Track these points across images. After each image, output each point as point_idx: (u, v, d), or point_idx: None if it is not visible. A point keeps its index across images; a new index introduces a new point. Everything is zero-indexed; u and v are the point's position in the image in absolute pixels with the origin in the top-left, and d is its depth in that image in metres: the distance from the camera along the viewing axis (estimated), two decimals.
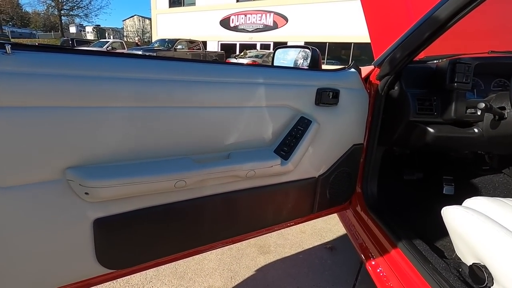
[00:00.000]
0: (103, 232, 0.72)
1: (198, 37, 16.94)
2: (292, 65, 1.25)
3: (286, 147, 0.97)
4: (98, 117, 0.66)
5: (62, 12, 32.95)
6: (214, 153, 0.87)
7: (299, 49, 1.25)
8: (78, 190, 0.65)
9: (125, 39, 32.30)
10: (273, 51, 1.29)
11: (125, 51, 14.11)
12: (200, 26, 21.09)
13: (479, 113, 1.07)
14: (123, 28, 40.39)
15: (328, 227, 2.01)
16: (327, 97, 1.02)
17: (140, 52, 12.71)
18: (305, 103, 1.00)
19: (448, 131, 1.13)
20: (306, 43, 16.48)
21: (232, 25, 19.93)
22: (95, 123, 0.66)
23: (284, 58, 1.28)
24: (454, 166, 1.68)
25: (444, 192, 1.57)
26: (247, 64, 0.99)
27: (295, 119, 0.99)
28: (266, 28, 18.70)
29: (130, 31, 37.67)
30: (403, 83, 1.15)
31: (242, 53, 14.90)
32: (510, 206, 0.89)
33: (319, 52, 1.20)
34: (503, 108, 1.01)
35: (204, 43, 17.60)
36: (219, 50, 18.29)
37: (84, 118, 0.64)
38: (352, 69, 1.14)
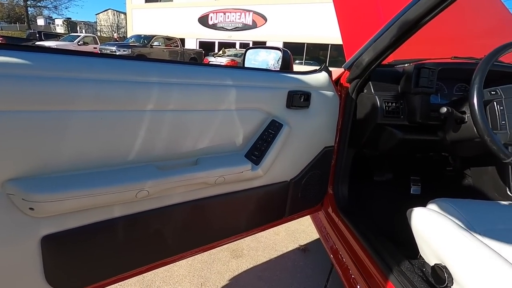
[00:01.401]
0: (53, 250, 0.65)
1: (176, 34, 16.56)
2: (263, 66, 1.22)
3: (257, 151, 0.94)
4: (44, 122, 0.58)
5: (29, 2, 30.93)
6: (180, 159, 0.81)
7: (270, 50, 1.23)
8: (21, 205, 0.58)
9: (98, 33, 30.94)
10: (244, 51, 1.25)
11: (97, 46, 13.47)
12: (178, 23, 20.66)
13: (442, 117, 1.10)
14: (96, 22, 38.68)
15: (302, 228, 2.01)
16: (298, 100, 1.00)
17: (113, 48, 12.16)
18: (276, 106, 0.98)
19: (414, 134, 1.16)
20: (284, 43, 16.66)
21: (210, 23, 19.70)
22: (40, 128, 0.58)
23: (255, 59, 1.25)
24: (421, 166, 1.74)
25: (411, 192, 1.62)
26: (217, 65, 0.95)
27: (266, 122, 0.97)
28: (245, 27, 18.67)
29: (104, 25, 36.11)
30: (372, 86, 1.16)
31: (221, 52, 14.75)
32: (471, 207, 0.92)
33: (291, 53, 1.18)
34: (464, 113, 1.04)
35: (182, 40, 17.26)
36: (198, 48, 18.01)
37: (26, 123, 0.56)
38: (323, 72, 1.13)
